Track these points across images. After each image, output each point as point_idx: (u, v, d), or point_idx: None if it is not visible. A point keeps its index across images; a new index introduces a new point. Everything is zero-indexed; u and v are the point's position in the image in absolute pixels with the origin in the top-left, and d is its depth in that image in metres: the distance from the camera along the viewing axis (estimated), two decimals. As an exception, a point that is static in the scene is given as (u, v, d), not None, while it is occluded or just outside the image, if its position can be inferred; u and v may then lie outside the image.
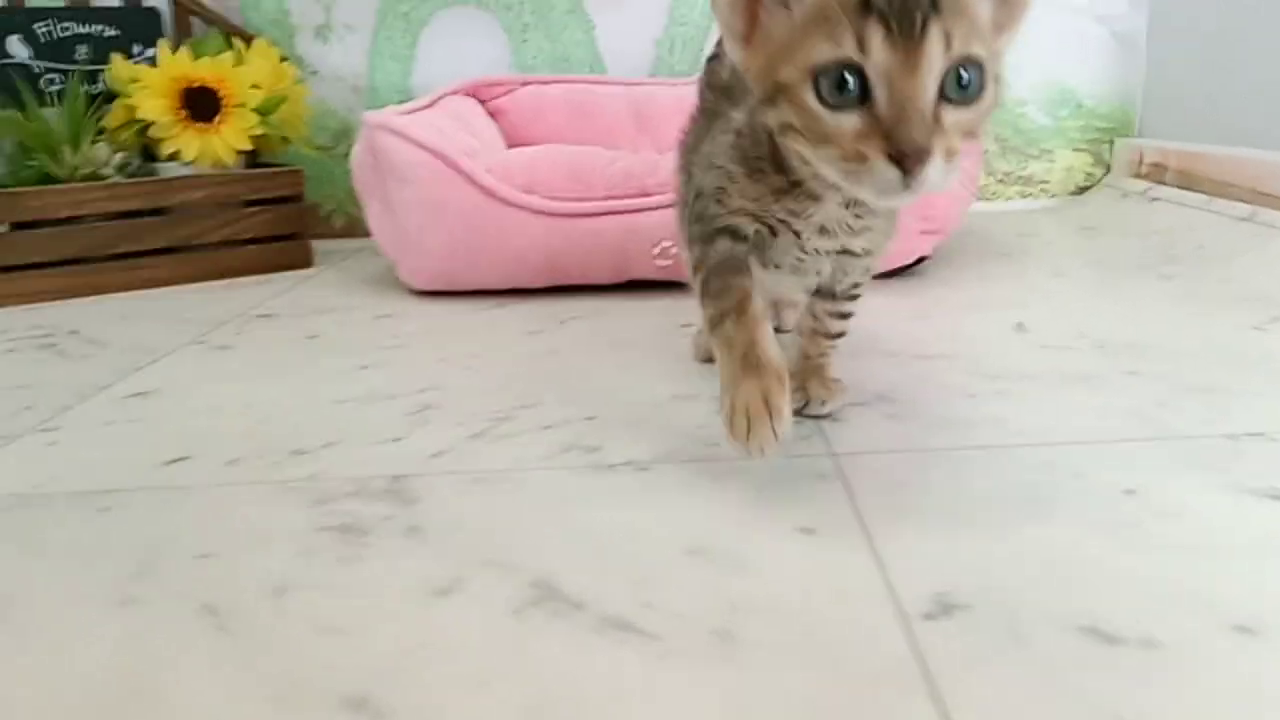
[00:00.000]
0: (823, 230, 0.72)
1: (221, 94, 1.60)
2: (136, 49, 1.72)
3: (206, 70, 1.59)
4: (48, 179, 1.55)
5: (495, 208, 1.35)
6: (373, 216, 1.44)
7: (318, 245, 1.75)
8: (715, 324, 0.71)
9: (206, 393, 1.01)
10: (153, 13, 1.76)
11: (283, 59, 1.71)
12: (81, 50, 1.70)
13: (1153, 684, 0.48)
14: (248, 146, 1.62)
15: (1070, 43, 1.86)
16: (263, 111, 1.62)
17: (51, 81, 1.68)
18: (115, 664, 0.54)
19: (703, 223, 0.74)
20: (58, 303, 1.47)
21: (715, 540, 0.64)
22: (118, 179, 1.57)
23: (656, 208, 1.32)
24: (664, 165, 1.40)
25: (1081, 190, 1.93)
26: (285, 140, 1.70)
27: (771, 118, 0.61)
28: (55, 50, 1.69)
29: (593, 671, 0.51)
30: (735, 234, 0.73)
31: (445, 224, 1.35)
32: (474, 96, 1.72)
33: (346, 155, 1.55)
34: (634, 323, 1.21)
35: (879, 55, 0.54)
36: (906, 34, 0.54)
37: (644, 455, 0.79)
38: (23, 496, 0.76)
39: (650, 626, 0.55)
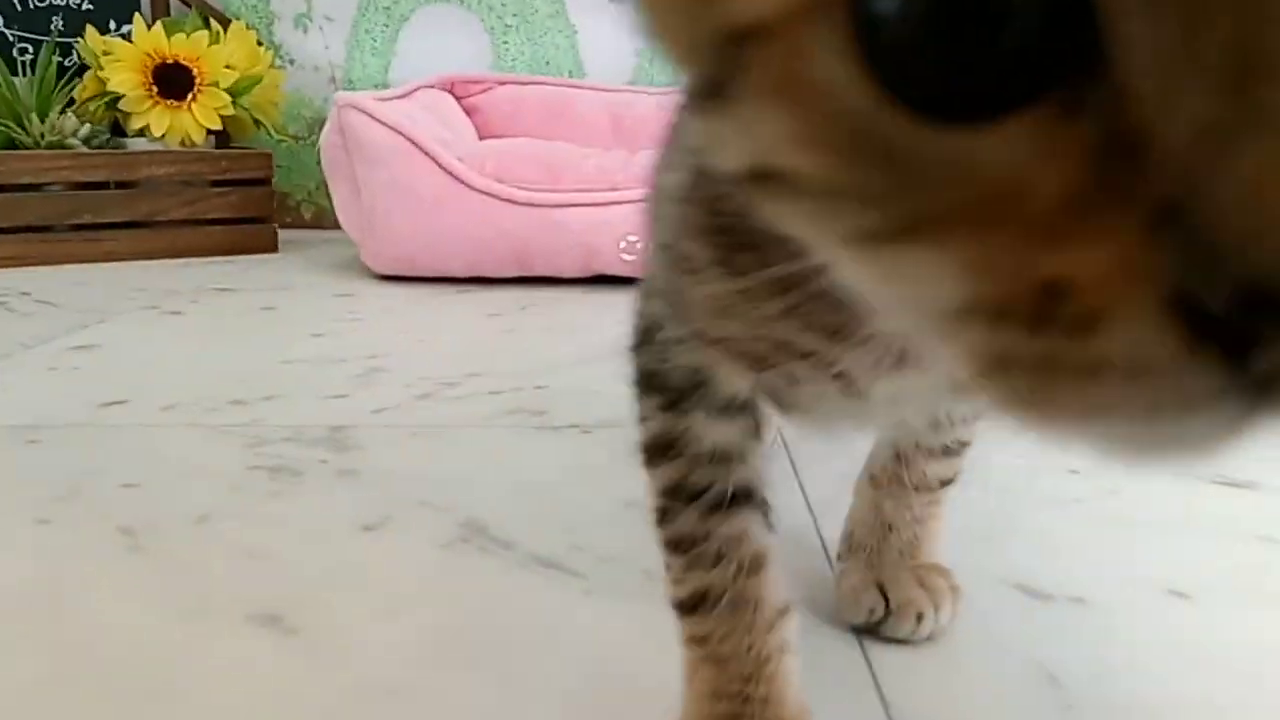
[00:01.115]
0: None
1: (195, 72, 1.59)
2: (111, 24, 1.71)
3: (181, 47, 1.58)
4: (12, 145, 1.52)
5: (463, 193, 1.34)
6: (339, 198, 1.43)
7: (285, 234, 1.73)
8: (690, 617, 0.39)
9: (152, 350, 0.99)
10: (132, -11, 1.75)
11: (258, 43, 1.70)
12: (56, 21, 1.69)
13: (1081, 638, 0.47)
14: (218, 126, 1.60)
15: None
16: (235, 93, 1.61)
17: (24, 51, 1.66)
18: (30, 576, 0.52)
19: (651, 374, 0.39)
20: (13, 269, 1.44)
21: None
22: (83, 149, 1.55)
23: (625, 202, 1.32)
24: (636, 163, 1.40)
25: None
26: (258, 124, 1.69)
27: (723, 147, 0.19)
28: (29, 20, 1.67)
29: (513, 604, 0.50)
30: (717, 403, 0.38)
31: (411, 207, 1.34)
32: (450, 92, 1.71)
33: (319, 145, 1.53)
34: (595, 311, 1.19)
35: None
36: None
37: (589, 420, 0.77)
38: (-52, 428, 0.74)
39: (579, 567, 0.53)
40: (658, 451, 0.38)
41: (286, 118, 1.79)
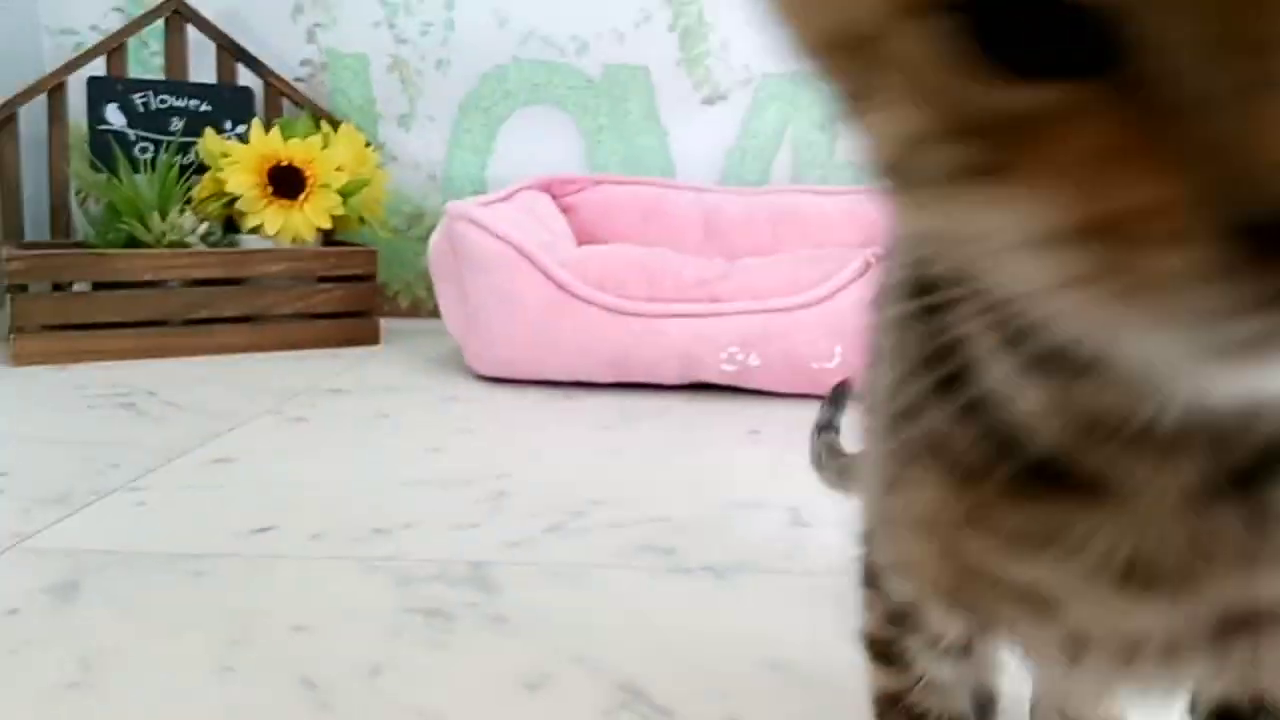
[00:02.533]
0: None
1: (307, 174, 1.66)
2: (227, 125, 1.79)
3: (295, 150, 1.65)
4: (134, 242, 1.60)
5: (566, 301, 1.38)
6: (445, 300, 1.49)
7: (385, 323, 1.79)
8: None
9: (285, 465, 1.03)
10: (246, 91, 1.84)
11: (366, 144, 1.77)
12: (175, 122, 1.77)
13: None
14: (328, 225, 1.67)
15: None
16: (345, 193, 1.68)
17: (145, 150, 1.75)
18: (218, 731, 0.56)
19: (872, 570, 0.37)
20: (132, 361, 1.51)
21: (795, 654, 0.65)
22: (200, 247, 1.63)
23: (724, 314, 1.35)
24: (734, 273, 1.44)
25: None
26: (361, 221, 1.76)
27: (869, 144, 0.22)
28: (150, 120, 1.76)
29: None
30: (929, 639, 0.35)
31: (516, 313, 1.39)
32: (547, 192, 1.77)
33: (419, 238, 1.60)
34: (700, 425, 1.23)
35: None
36: None
37: (720, 561, 0.80)
38: (116, 554, 0.79)
39: (738, 736, 0.56)
40: (876, 653, 0.37)
41: (388, 212, 1.86)
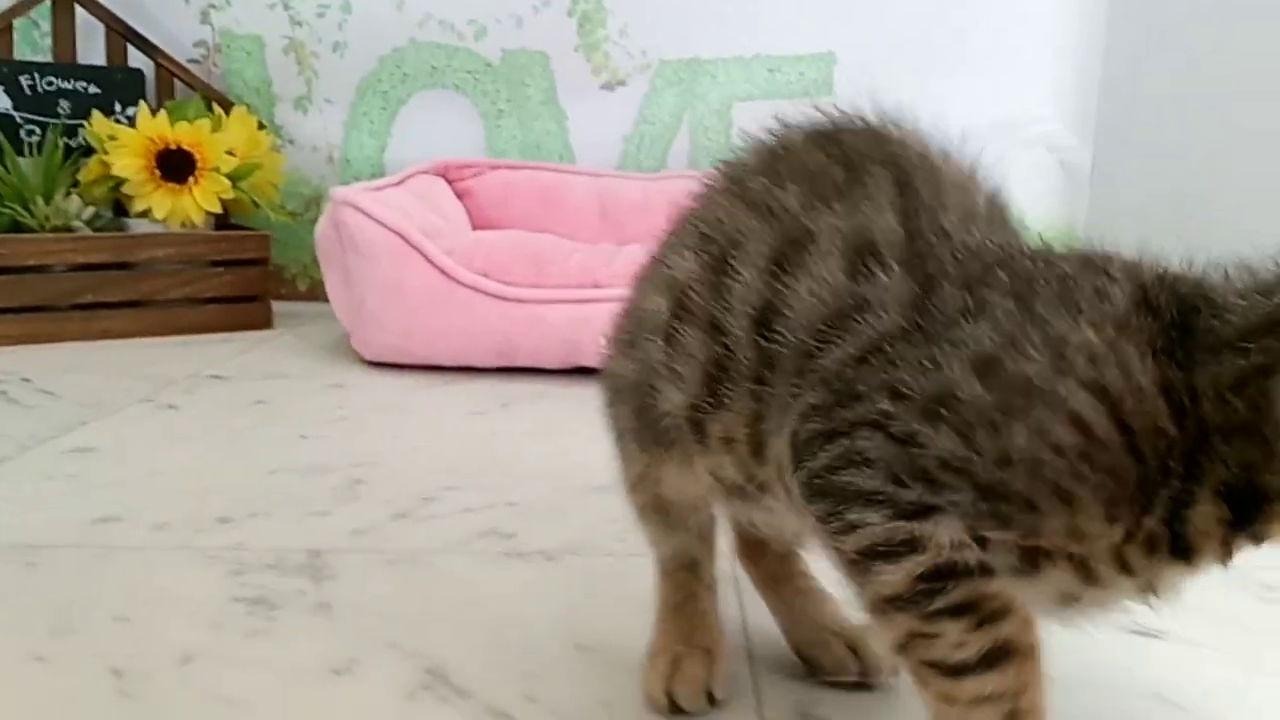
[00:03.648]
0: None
1: (196, 157, 1.65)
2: (117, 108, 1.77)
3: (184, 133, 1.64)
4: (18, 227, 1.58)
5: (451, 288, 1.39)
6: (332, 286, 1.49)
7: (280, 306, 1.78)
8: (985, 673, 0.42)
9: (148, 455, 1.03)
10: (136, 74, 1.82)
11: (261, 127, 1.76)
12: (63, 105, 1.75)
13: None
14: (218, 209, 1.66)
15: (1024, 171, 1.95)
16: (236, 177, 1.67)
17: (32, 133, 1.72)
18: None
19: (926, 487, 0.42)
20: (16, 348, 1.49)
21: (605, 637, 0.67)
22: (86, 231, 1.61)
23: (604, 300, 1.37)
24: (619, 259, 1.46)
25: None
26: (256, 205, 1.75)
27: None
28: (37, 103, 1.73)
29: (469, 758, 0.54)
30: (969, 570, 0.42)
31: (401, 300, 1.40)
32: (443, 176, 1.78)
33: (315, 221, 1.59)
34: (575, 409, 1.24)
35: None
36: None
37: (555, 545, 0.82)
38: (-49, 547, 0.79)
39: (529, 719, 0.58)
40: (896, 551, 0.42)
41: (285, 195, 1.85)
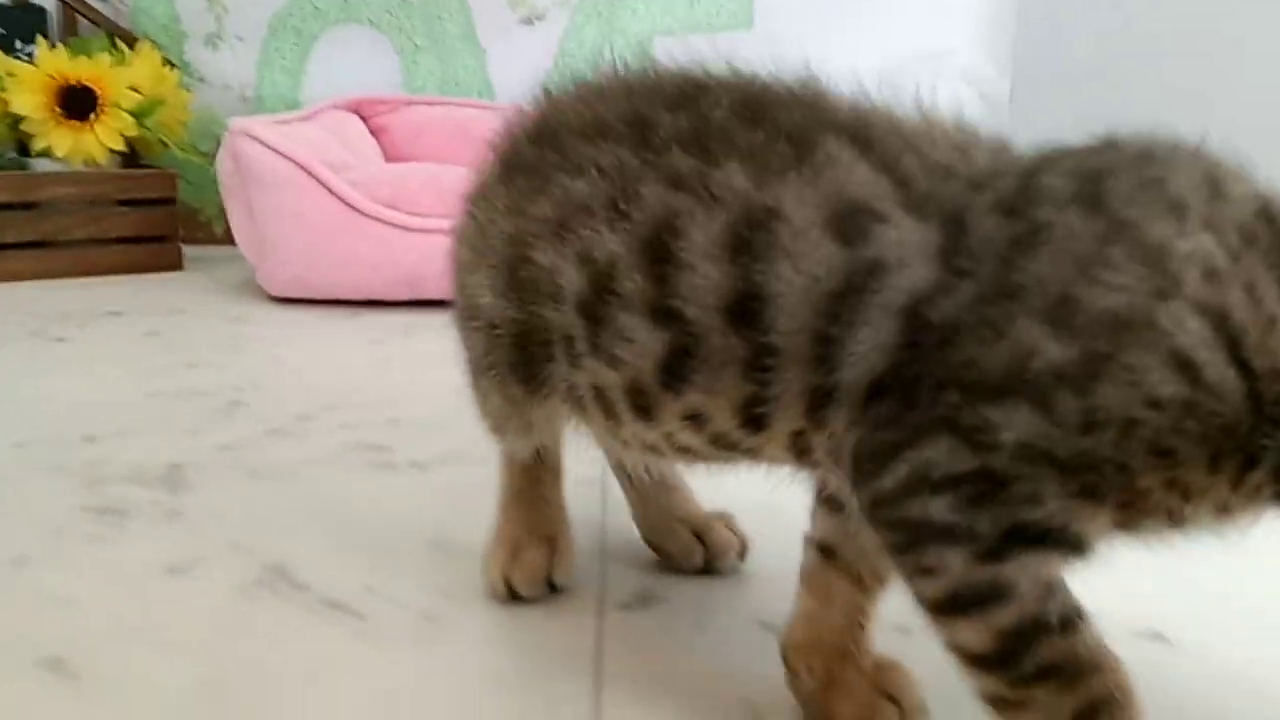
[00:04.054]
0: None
1: (98, 94, 1.60)
2: (19, 45, 1.72)
3: (84, 69, 1.60)
4: (-88, 166, 1.54)
5: (355, 219, 1.37)
6: (235, 220, 1.46)
7: (194, 251, 1.75)
8: None
9: (23, 381, 1.01)
10: (37, 10, 1.77)
11: (168, 64, 1.72)
12: (-38, 42, 1.70)
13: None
14: (120, 147, 1.62)
15: (942, 104, 1.94)
16: (139, 114, 1.63)
17: (-72, 70, 1.67)
18: None
19: (1003, 505, 0.36)
20: (-90, 290, 1.46)
21: (462, 536, 0.66)
22: (-15, 171, 1.57)
23: (511, 229, 1.35)
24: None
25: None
26: (164, 144, 1.71)
27: None
28: (-65, 40, 1.68)
29: (288, 649, 0.53)
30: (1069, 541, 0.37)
31: (304, 232, 1.37)
32: (356, 113, 1.74)
33: (227, 161, 1.55)
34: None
35: None
36: None
37: (429, 457, 0.81)
38: None
39: (363, 609, 0.57)
40: (976, 601, 0.37)
41: (197, 135, 1.81)
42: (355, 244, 1.37)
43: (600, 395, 0.46)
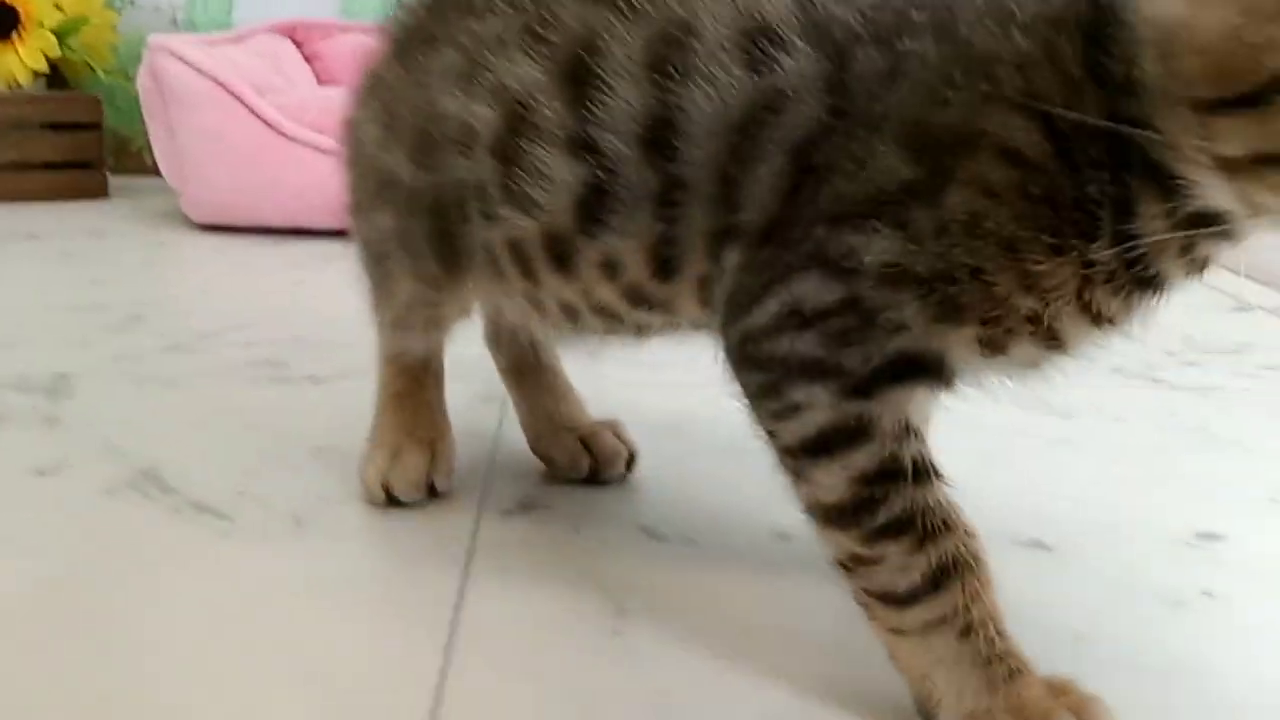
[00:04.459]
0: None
1: (19, 10, 1.55)
2: (-63, -41, 1.65)
3: (5, -14, 1.54)
4: None
5: (279, 143, 1.33)
6: (156, 144, 1.42)
7: (121, 180, 1.70)
8: (930, 599, 0.37)
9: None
10: (-42, -76, 1.70)
11: (94, -17, 1.66)
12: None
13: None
14: (44, 68, 1.57)
15: None
16: (61, 33, 1.58)
17: None
18: None
19: (871, 339, 0.37)
20: None
21: (349, 443, 0.64)
22: (-102, 90, 1.51)
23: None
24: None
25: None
26: (92, 68, 1.66)
27: (1229, 136, 0.30)
28: None
29: (148, 551, 0.51)
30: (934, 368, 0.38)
31: (227, 155, 1.33)
32: (290, 37, 1.69)
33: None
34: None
35: None
36: None
37: (328, 371, 0.79)
38: None
39: (231, 511, 0.55)
40: (841, 440, 0.38)
41: (127, 60, 1.75)
42: (280, 169, 1.33)
43: (517, 251, 0.46)
